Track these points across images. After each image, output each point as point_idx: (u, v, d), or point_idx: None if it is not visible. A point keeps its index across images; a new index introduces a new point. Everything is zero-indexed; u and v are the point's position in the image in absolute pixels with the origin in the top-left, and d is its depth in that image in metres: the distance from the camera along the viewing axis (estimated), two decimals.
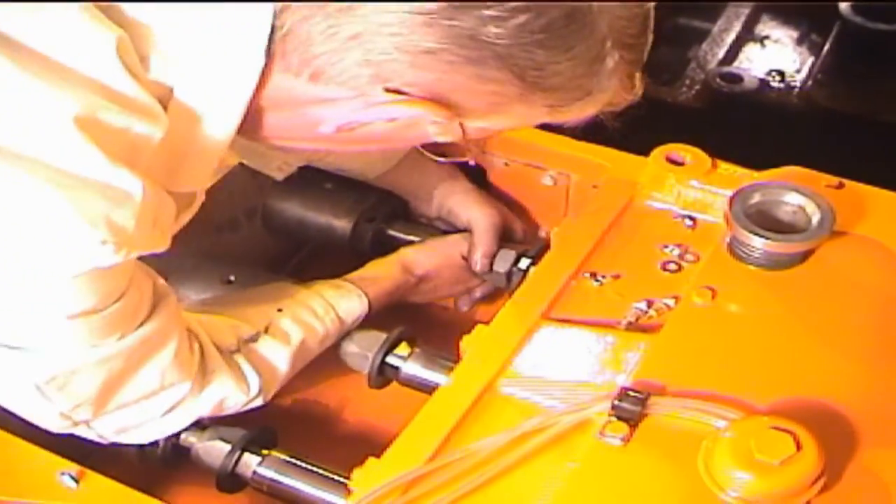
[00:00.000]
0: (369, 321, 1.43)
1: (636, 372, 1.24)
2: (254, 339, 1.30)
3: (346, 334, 1.42)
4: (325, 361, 1.42)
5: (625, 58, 1.09)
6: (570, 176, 1.61)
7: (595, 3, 1.03)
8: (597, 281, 1.39)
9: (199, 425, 1.29)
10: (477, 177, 1.67)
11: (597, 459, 1.15)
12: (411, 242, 1.60)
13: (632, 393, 1.17)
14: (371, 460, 1.17)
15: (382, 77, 1.03)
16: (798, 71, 2.55)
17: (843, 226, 1.38)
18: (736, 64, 2.59)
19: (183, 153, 1.08)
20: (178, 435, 1.29)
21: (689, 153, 1.53)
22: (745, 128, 2.24)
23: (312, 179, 1.61)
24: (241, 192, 1.62)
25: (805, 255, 1.37)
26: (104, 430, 1.19)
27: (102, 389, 1.12)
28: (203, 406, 1.23)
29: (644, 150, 1.55)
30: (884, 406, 1.21)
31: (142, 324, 1.12)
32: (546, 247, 1.48)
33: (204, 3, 1.02)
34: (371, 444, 1.21)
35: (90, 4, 0.99)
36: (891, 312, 1.33)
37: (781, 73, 2.54)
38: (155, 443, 1.27)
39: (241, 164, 1.58)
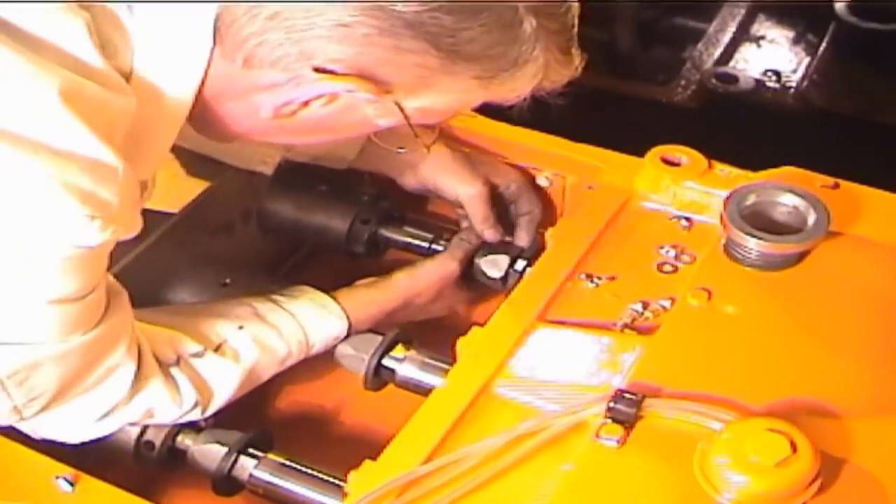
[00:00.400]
0: None
1: (632, 373, 1.24)
2: (198, 355, 1.28)
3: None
4: (321, 364, 1.43)
5: (546, 26, 1.11)
6: (565, 177, 1.61)
7: None
8: (592, 282, 1.39)
9: (195, 428, 1.30)
10: None
11: (592, 461, 1.15)
12: (407, 244, 1.60)
13: (627, 395, 1.17)
14: (367, 463, 1.17)
15: (307, 55, 1.07)
16: (794, 71, 2.55)
17: (838, 226, 1.39)
18: (732, 64, 2.59)
19: (139, 136, 1.10)
20: (174, 437, 1.29)
21: (684, 154, 1.53)
22: (741, 128, 2.25)
23: (307, 181, 1.61)
24: (236, 194, 1.62)
25: (801, 256, 1.37)
26: (40, 427, 1.19)
27: (58, 387, 1.14)
28: (133, 412, 1.23)
29: (639, 151, 1.56)
30: (880, 407, 1.21)
31: (100, 321, 1.14)
32: (542, 248, 1.48)
33: None
34: (367, 447, 1.21)
35: None
36: (887, 313, 1.33)
37: (777, 74, 2.54)
38: (151, 446, 1.27)
39: (235, 168, 1.59)
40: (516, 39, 1.10)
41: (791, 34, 2.67)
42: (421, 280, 1.50)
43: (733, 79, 2.53)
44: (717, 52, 2.60)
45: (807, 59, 2.57)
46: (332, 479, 1.23)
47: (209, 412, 1.28)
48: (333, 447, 1.45)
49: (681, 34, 2.71)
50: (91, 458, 1.22)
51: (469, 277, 1.56)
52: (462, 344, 1.32)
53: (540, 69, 1.13)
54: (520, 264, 1.52)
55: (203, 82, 1.11)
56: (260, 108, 1.14)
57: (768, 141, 2.05)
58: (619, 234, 1.47)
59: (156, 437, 1.28)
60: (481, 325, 1.33)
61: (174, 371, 1.25)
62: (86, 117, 0.99)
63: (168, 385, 1.24)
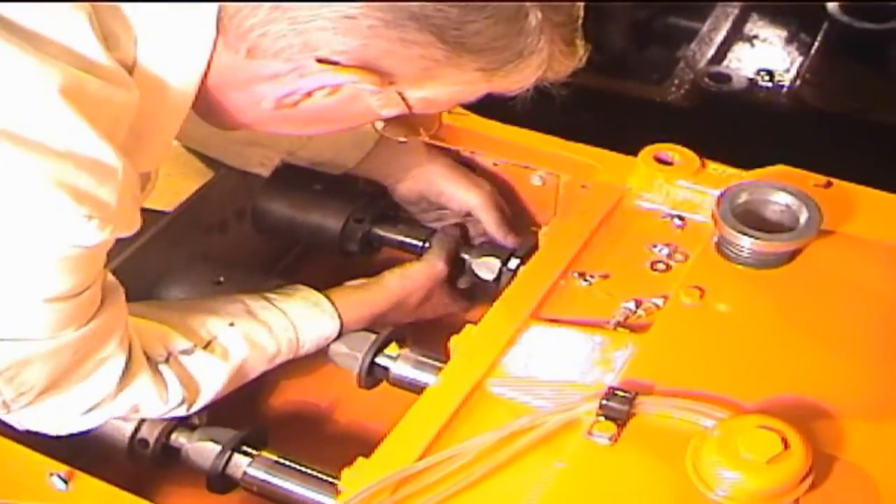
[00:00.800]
0: None
1: (624, 371, 1.24)
2: (187, 352, 1.28)
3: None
4: (314, 362, 1.43)
5: (551, 18, 1.11)
6: (559, 176, 1.61)
7: None
8: (585, 281, 1.39)
9: (189, 426, 1.30)
10: None
11: (585, 459, 1.15)
12: (401, 243, 1.60)
13: (620, 392, 1.17)
14: (360, 460, 1.17)
15: (311, 46, 1.06)
16: (787, 70, 2.55)
17: (830, 225, 1.39)
18: (725, 64, 2.59)
19: (142, 130, 1.09)
20: (168, 435, 1.29)
21: (677, 153, 1.54)
22: (734, 127, 2.25)
23: (302, 180, 1.61)
24: (231, 193, 1.62)
25: (793, 255, 1.37)
26: (26, 419, 1.19)
27: (48, 382, 1.14)
28: (119, 407, 1.22)
29: (633, 150, 1.56)
30: (872, 404, 1.21)
31: (94, 316, 1.13)
32: (535, 247, 1.48)
33: None
34: (361, 444, 1.21)
35: None
36: (879, 311, 1.33)
37: (770, 73, 2.54)
38: (145, 443, 1.28)
39: (230, 166, 1.59)
40: (521, 31, 1.09)
41: (784, 34, 2.67)
42: (411, 280, 1.51)
43: (727, 78, 2.53)
44: (711, 52, 2.61)
45: (800, 59, 2.58)
46: (325, 477, 1.23)
47: (194, 409, 1.28)
48: (327, 445, 1.45)
49: (674, 33, 2.71)
50: (85, 455, 1.22)
51: (456, 275, 1.57)
52: (455, 342, 1.32)
53: (544, 61, 1.13)
54: (513, 263, 1.52)
55: (206, 73, 1.10)
56: (262, 98, 1.13)
57: (761, 140, 2.05)
58: (612, 233, 1.47)
59: (150, 435, 1.28)
60: (474, 323, 1.33)
61: (163, 368, 1.25)
62: (87, 114, 0.98)
63: (156, 381, 1.23)
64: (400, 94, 1.12)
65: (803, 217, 1.37)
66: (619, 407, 1.16)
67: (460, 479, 1.13)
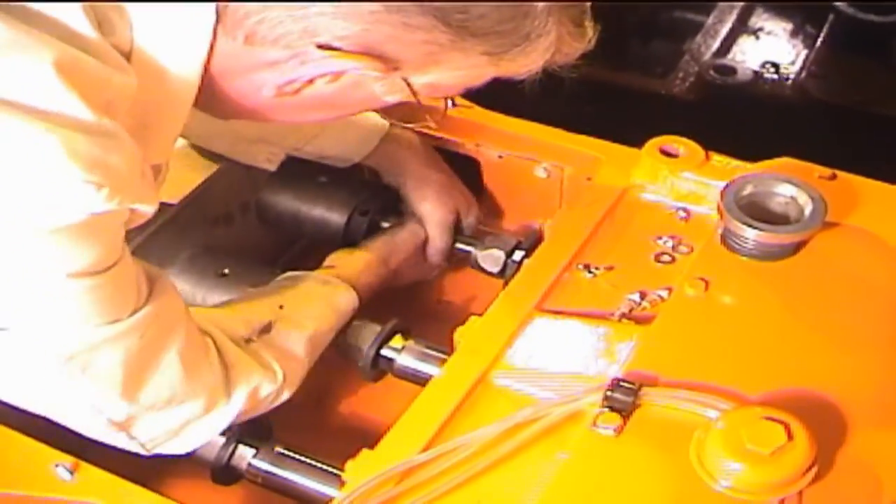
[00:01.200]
0: (362, 313, 1.43)
1: (629, 363, 1.24)
2: (266, 329, 1.28)
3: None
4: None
5: None
6: (563, 168, 1.61)
7: None
8: (590, 273, 1.39)
9: None
10: (471, 169, 1.68)
11: (589, 450, 1.15)
12: None
13: (624, 384, 1.17)
14: (364, 452, 1.17)
15: (310, 32, 1.04)
16: (792, 63, 2.55)
17: (835, 217, 1.39)
18: (730, 56, 2.60)
19: (147, 118, 1.08)
20: None
21: (682, 145, 1.54)
22: (739, 120, 2.25)
23: (306, 173, 1.61)
24: (236, 186, 1.62)
25: (797, 247, 1.37)
26: (145, 435, 1.17)
27: (126, 375, 1.10)
28: (238, 399, 1.21)
29: (638, 143, 1.56)
30: (875, 396, 1.21)
31: (147, 301, 1.11)
32: (539, 239, 1.48)
33: None
34: (365, 436, 1.21)
35: None
36: (883, 303, 1.33)
37: (775, 66, 2.54)
38: None
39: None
40: (528, 14, 1.07)
41: (789, 26, 2.67)
42: (399, 243, 1.55)
43: (731, 70, 2.54)
44: (716, 44, 2.61)
45: (805, 51, 2.58)
46: (330, 469, 1.23)
47: (293, 388, 1.28)
48: (331, 437, 1.45)
49: (679, 26, 2.71)
50: (90, 446, 1.23)
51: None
52: (460, 334, 1.32)
53: (552, 43, 1.10)
54: (517, 255, 1.52)
55: (208, 61, 1.08)
56: (262, 85, 1.11)
57: (766, 132, 2.05)
58: (616, 225, 1.47)
59: None
60: (479, 314, 1.33)
61: (254, 347, 1.25)
62: (82, 91, 0.97)
63: (258, 360, 1.23)
64: (404, 79, 1.10)
65: (808, 209, 1.36)
66: (623, 398, 1.16)
67: (464, 470, 1.13)
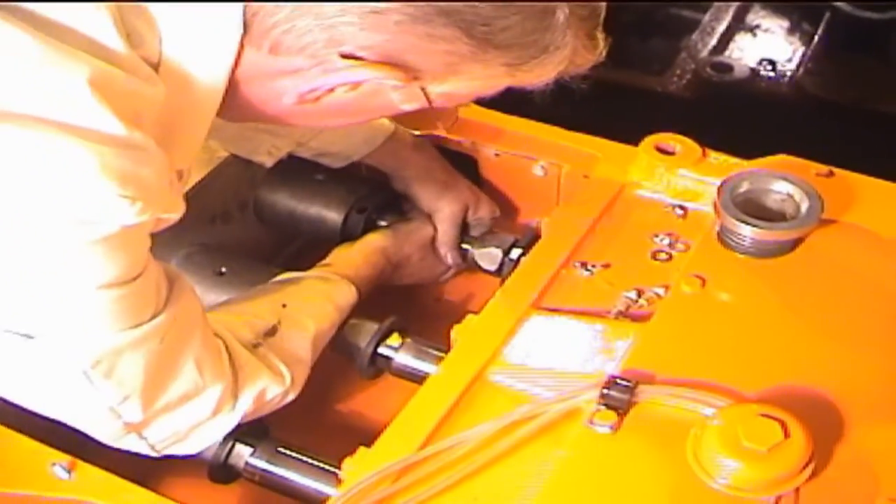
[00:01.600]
0: (360, 311, 1.44)
1: (625, 360, 1.24)
2: (271, 332, 1.29)
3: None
4: None
5: (577, 13, 1.10)
6: (560, 166, 1.62)
7: None
8: (587, 270, 1.39)
9: None
10: (468, 168, 1.68)
11: (585, 447, 1.15)
12: None
13: (620, 381, 1.17)
14: (362, 450, 1.18)
15: (335, 41, 1.05)
16: (789, 60, 2.55)
17: (832, 214, 1.39)
18: (727, 53, 2.60)
19: (172, 126, 1.09)
20: None
21: (679, 143, 1.54)
22: (736, 117, 2.25)
23: (304, 171, 1.61)
24: (234, 184, 1.62)
25: (794, 244, 1.37)
26: (155, 437, 1.18)
27: (147, 378, 1.11)
28: (244, 402, 1.22)
29: (634, 140, 1.56)
30: (872, 393, 1.21)
31: (167, 303, 1.12)
32: (536, 237, 1.48)
33: None
34: (362, 434, 1.22)
35: None
36: (880, 300, 1.33)
37: (772, 63, 2.54)
38: None
39: (233, 156, 1.59)
40: (549, 27, 1.08)
41: (786, 23, 2.67)
42: (401, 238, 1.56)
43: (728, 68, 2.54)
44: (713, 42, 2.61)
45: (802, 48, 2.58)
46: (327, 467, 1.23)
47: (298, 389, 1.29)
48: (329, 435, 1.45)
49: (676, 24, 2.71)
50: (88, 445, 1.23)
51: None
52: (457, 332, 1.32)
53: (567, 55, 1.12)
54: (515, 252, 1.52)
55: (234, 70, 1.09)
56: (284, 93, 1.12)
57: (763, 130, 2.05)
58: (613, 223, 1.47)
59: None
60: (476, 312, 1.34)
61: (262, 350, 1.26)
62: (114, 105, 0.97)
63: (266, 363, 1.25)
64: (422, 88, 1.11)
65: (804, 206, 1.37)
66: (619, 396, 1.17)
67: (462, 467, 1.13)
